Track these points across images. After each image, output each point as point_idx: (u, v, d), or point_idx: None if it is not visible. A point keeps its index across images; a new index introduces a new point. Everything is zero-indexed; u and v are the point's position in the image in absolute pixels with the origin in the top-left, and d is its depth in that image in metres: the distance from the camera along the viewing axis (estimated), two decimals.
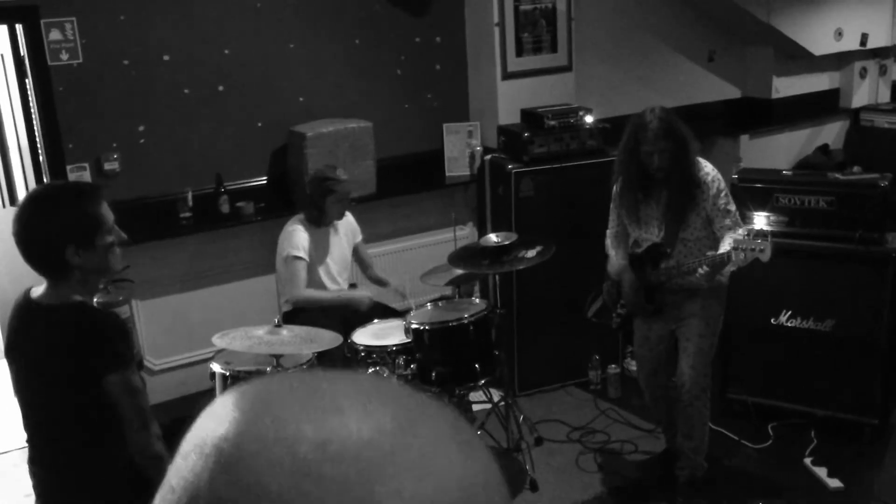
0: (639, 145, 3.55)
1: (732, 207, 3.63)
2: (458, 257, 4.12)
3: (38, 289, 2.40)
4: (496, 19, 4.98)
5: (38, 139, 4.34)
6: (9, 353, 2.46)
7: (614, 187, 3.86)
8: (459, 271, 4.18)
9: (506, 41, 5.02)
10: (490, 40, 5.04)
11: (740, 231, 3.49)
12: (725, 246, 3.47)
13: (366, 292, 4.33)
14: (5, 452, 4.49)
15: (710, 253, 3.55)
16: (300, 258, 4.19)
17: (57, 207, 2.33)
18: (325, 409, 0.51)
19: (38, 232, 2.29)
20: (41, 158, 4.36)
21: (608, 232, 3.95)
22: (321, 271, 4.35)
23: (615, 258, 3.84)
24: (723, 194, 3.61)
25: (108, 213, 2.36)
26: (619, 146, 3.71)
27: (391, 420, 0.51)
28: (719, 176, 3.65)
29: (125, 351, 2.34)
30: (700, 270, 3.53)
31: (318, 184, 4.22)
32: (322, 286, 4.35)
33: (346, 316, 4.24)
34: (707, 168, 3.65)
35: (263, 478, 0.48)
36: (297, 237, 4.22)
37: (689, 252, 3.64)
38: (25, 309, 2.40)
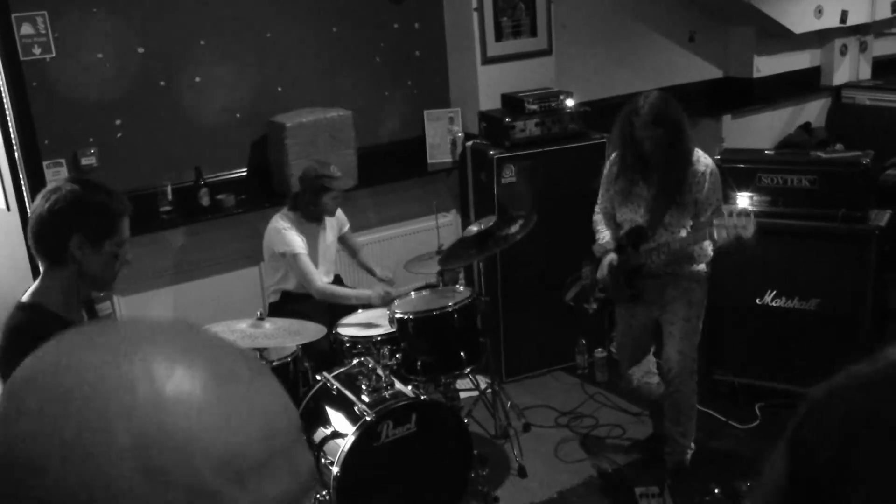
0: (632, 130, 3.53)
1: (720, 199, 3.61)
2: (448, 258, 4.09)
3: (31, 286, 2.39)
4: (474, 4, 4.93)
5: (12, 136, 4.27)
6: None
7: (606, 165, 3.84)
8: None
9: (485, 26, 4.98)
10: (469, 25, 5.00)
11: (724, 211, 3.48)
12: (707, 227, 3.46)
13: (378, 290, 4.27)
14: None
15: (694, 234, 3.53)
16: (300, 254, 4.18)
17: (90, 194, 2.34)
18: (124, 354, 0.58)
19: (56, 209, 2.29)
20: (16, 155, 4.29)
21: (597, 209, 3.90)
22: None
23: (603, 238, 3.82)
24: (716, 188, 3.58)
25: (125, 228, 2.37)
26: (613, 129, 3.69)
27: (198, 371, 0.58)
28: (716, 171, 3.61)
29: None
30: (676, 246, 3.52)
31: (312, 181, 4.19)
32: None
33: (332, 306, 4.22)
34: (705, 160, 3.61)
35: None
36: (290, 235, 4.20)
37: (669, 237, 3.62)
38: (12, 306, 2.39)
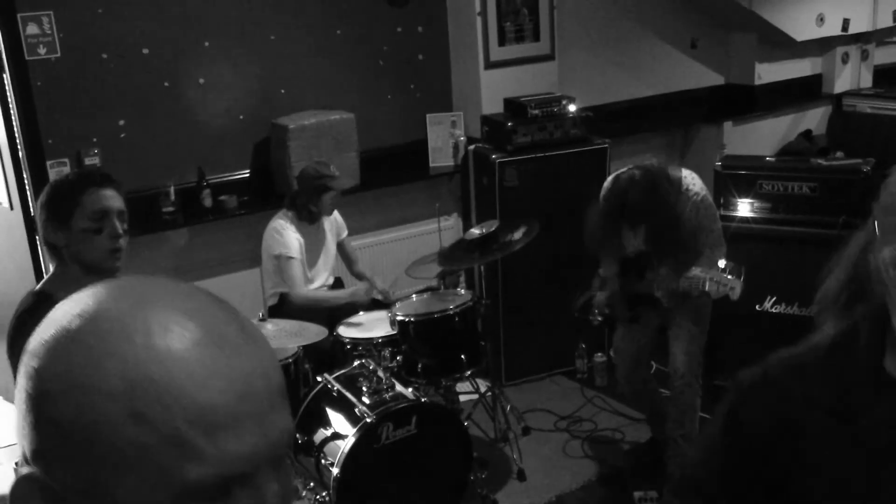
0: (615, 220, 3.57)
1: (717, 226, 3.61)
2: (448, 257, 4.11)
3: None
4: (478, 9, 4.95)
5: (16, 135, 4.29)
6: None
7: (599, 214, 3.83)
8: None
9: (488, 30, 5.00)
10: (472, 30, 5.02)
11: (719, 262, 3.48)
12: (696, 270, 3.46)
13: (361, 285, 4.32)
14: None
15: (690, 274, 3.49)
16: (293, 258, 4.18)
17: (55, 184, 2.47)
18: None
19: (41, 206, 2.43)
20: (20, 154, 4.31)
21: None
22: (311, 269, 4.34)
23: (608, 268, 3.85)
24: (709, 213, 3.58)
25: (93, 199, 2.38)
26: (596, 211, 3.69)
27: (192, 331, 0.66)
28: (707, 194, 3.60)
29: None
30: (675, 285, 3.55)
31: (312, 181, 4.21)
32: (311, 283, 4.34)
33: (331, 308, 4.23)
34: (694, 187, 3.58)
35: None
36: (287, 236, 4.21)
37: (672, 263, 3.60)
38: None
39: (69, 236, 2.39)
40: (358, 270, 4.64)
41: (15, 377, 2.37)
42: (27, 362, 0.66)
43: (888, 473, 1.19)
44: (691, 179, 3.60)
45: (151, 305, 0.66)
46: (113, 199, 2.41)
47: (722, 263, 3.45)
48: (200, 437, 0.63)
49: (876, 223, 1.20)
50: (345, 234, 4.57)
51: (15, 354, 2.37)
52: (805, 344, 1.35)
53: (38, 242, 4.40)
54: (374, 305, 4.38)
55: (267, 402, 0.67)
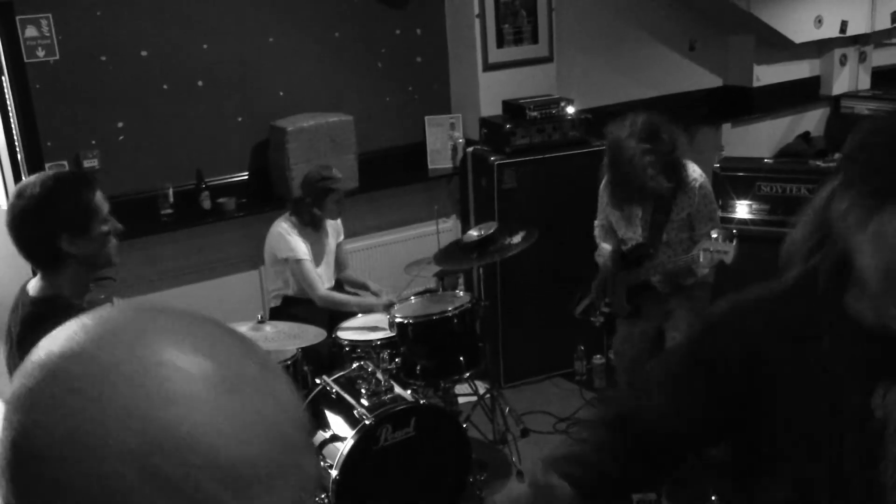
0: (619, 164, 3.56)
1: (716, 216, 3.66)
2: (445, 256, 4.11)
3: (34, 280, 2.40)
4: (476, 11, 4.96)
5: (15, 137, 4.29)
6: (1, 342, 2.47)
7: (602, 186, 3.87)
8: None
9: (486, 32, 5.00)
10: (471, 32, 5.02)
11: (713, 234, 3.51)
12: (697, 248, 3.52)
13: (383, 299, 4.27)
14: None
15: (685, 256, 3.58)
16: (303, 259, 4.19)
17: (51, 195, 2.29)
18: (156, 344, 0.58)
19: (32, 221, 2.26)
20: (19, 157, 4.31)
21: (596, 223, 3.96)
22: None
23: (605, 247, 3.86)
24: (708, 200, 3.62)
25: (102, 202, 2.36)
26: (604, 160, 3.71)
27: (212, 364, 0.57)
28: (706, 181, 3.66)
29: None
30: (671, 266, 3.56)
31: (316, 184, 4.21)
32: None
33: (332, 310, 4.24)
34: (695, 173, 3.65)
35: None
36: (293, 240, 4.21)
37: (670, 253, 3.67)
38: (18, 299, 2.41)
39: (89, 243, 2.33)
40: (346, 276, 4.63)
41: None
42: (10, 416, 0.56)
43: (846, 396, 1.32)
44: (691, 167, 3.63)
45: (157, 342, 0.57)
46: (103, 199, 2.39)
47: (714, 234, 3.47)
48: (234, 497, 0.54)
49: (841, 172, 1.31)
50: (342, 237, 4.57)
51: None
52: (768, 285, 1.47)
53: None
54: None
55: (302, 445, 0.60)
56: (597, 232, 3.94)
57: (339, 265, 4.62)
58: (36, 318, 2.30)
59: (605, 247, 3.85)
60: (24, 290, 2.41)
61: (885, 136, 1.31)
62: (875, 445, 1.30)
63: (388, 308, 4.13)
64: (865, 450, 1.31)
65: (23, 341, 2.30)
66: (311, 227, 4.29)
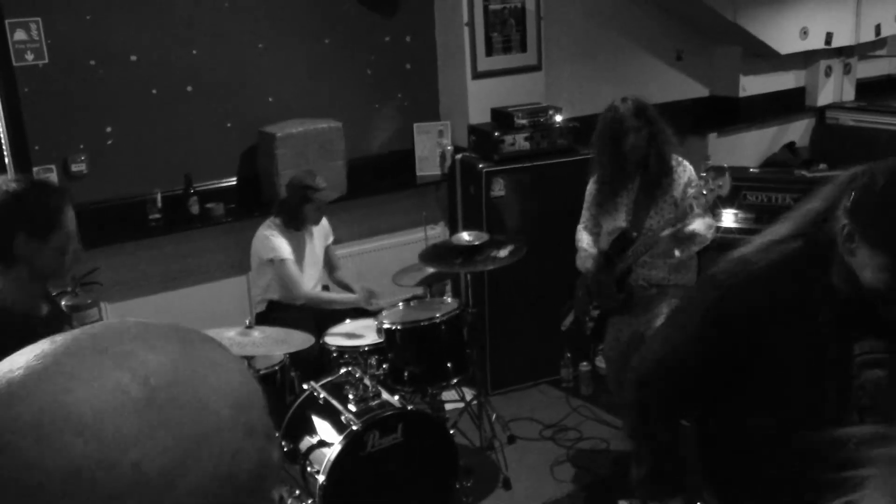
0: (613, 132, 3.61)
1: (704, 192, 3.64)
2: (431, 255, 4.13)
3: None
4: (466, 19, 4.98)
5: (2, 141, 4.28)
6: None
7: (589, 184, 3.90)
8: (431, 270, 4.20)
9: (475, 41, 5.02)
10: (460, 40, 5.05)
11: (706, 225, 3.55)
12: (689, 228, 3.52)
13: (361, 292, 4.34)
14: None
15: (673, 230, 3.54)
16: (286, 259, 4.20)
17: (22, 192, 2.27)
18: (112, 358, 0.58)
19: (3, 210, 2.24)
20: (6, 160, 4.30)
21: (579, 227, 3.97)
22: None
23: (586, 248, 3.88)
24: (694, 182, 3.64)
25: (71, 220, 2.32)
26: (594, 137, 3.76)
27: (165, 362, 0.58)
28: (691, 168, 3.73)
29: None
30: (664, 232, 3.53)
31: (297, 191, 4.23)
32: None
33: (319, 316, 4.24)
34: (680, 159, 3.73)
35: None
36: (276, 241, 4.23)
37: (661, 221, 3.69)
38: None
39: (43, 252, 2.28)
40: (338, 277, 4.64)
41: None
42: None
43: (833, 361, 1.71)
44: (676, 157, 3.71)
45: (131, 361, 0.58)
46: (74, 218, 2.35)
47: (701, 183, 3.40)
48: None
49: (850, 220, 1.65)
50: (331, 239, 4.58)
51: None
52: (763, 247, 1.80)
53: None
54: (360, 314, 4.39)
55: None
56: (578, 235, 3.95)
57: (331, 267, 4.63)
58: None
59: (585, 248, 3.87)
60: None
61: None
62: (848, 387, 1.70)
63: (368, 298, 4.18)
64: (842, 390, 1.70)
65: None
66: (293, 228, 4.30)
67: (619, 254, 3.72)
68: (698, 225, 3.55)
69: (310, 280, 4.39)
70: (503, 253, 4.02)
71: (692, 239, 3.53)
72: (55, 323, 2.37)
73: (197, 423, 0.57)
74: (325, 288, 4.60)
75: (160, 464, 0.54)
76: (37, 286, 2.38)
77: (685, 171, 3.69)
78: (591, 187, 3.92)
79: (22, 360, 0.58)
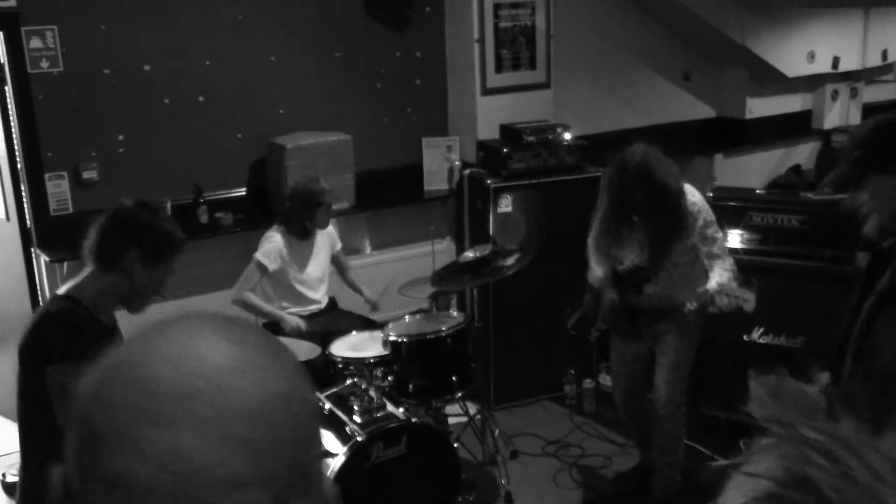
0: (619, 188, 3.56)
1: (719, 235, 3.62)
2: (441, 277, 4.13)
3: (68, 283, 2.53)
4: (476, 35, 5.03)
5: (16, 147, 4.32)
6: None
7: (598, 203, 3.87)
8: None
9: (485, 57, 5.07)
10: (470, 56, 5.09)
11: (727, 271, 3.50)
12: (713, 283, 3.45)
13: (299, 321, 4.26)
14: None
15: (699, 289, 3.50)
16: (261, 264, 4.22)
17: (157, 219, 2.54)
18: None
19: (127, 221, 2.48)
20: (19, 167, 4.33)
21: (589, 241, 3.90)
22: (297, 281, 4.36)
23: (597, 269, 3.83)
24: (710, 224, 3.59)
25: (173, 267, 2.55)
26: (602, 182, 3.72)
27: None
28: (706, 205, 3.61)
29: (69, 347, 2.30)
30: (689, 306, 3.51)
31: (305, 196, 4.25)
32: (297, 295, 4.38)
33: (326, 327, 4.26)
34: (694, 198, 3.60)
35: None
36: (270, 245, 4.25)
37: (671, 278, 3.62)
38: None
39: (142, 273, 2.46)
40: (349, 279, 4.68)
41: (25, 379, 2.36)
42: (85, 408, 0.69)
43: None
44: (690, 191, 3.62)
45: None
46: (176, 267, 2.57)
47: (729, 276, 3.44)
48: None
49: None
50: (339, 246, 4.61)
51: (31, 357, 2.37)
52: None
53: (32, 254, 4.41)
54: (366, 325, 4.41)
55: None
56: (591, 251, 3.89)
57: (341, 269, 4.66)
58: (57, 312, 2.41)
59: (597, 270, 3.82)
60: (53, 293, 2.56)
61: None
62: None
63: (295, 332, 4.15)
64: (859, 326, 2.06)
65: (41, 332, 2.38)
66: (297, 236, 4.32)
67: (635, 290, 3.68)
68: (720, 277, 3.50)
69: (313, 291, 4.41)
70: (510, 260, 4.05)
71: (720, 291, 3.47)
72: (117, 337, 2.45)
73: None
74: (332, 301, 4.61)
75: None
76: (118, 300, 2.53)
77: (700, 212, 3.57)
78: (599, 204, 3.87)
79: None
